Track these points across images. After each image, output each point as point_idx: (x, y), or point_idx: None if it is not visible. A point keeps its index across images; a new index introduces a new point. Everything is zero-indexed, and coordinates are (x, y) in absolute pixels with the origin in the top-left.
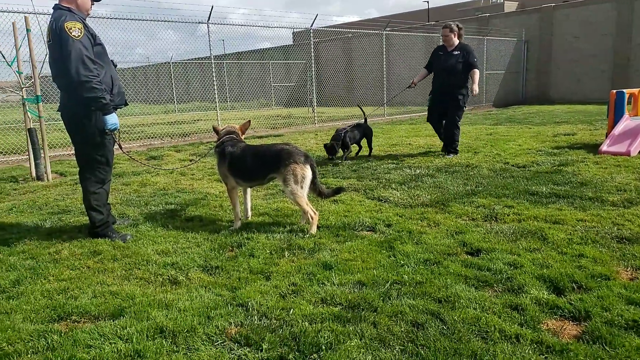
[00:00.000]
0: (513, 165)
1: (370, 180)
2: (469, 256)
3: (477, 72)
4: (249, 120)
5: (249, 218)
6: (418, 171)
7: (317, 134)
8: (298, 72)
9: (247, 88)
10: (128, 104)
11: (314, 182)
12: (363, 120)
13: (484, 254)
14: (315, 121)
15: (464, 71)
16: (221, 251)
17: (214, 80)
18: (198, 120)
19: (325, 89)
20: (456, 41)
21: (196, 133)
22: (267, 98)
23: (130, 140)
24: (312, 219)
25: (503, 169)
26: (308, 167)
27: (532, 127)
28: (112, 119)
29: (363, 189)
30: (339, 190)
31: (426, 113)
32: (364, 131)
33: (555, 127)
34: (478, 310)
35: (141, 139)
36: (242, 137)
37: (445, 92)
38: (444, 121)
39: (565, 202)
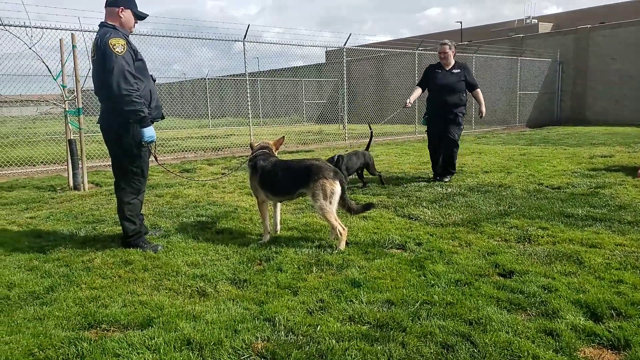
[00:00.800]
0: (547, 187)
1: (400, 198)
2: (501, 278)
3: (480, 91)
4: (283, 137)
5: (278, 232)
6: (449, 190)
7: (347, 150)
8: (330, 89)
9: (280, 104)
10: (165, 118)
11: (343, 197)
12: (366, 145)
13: (517, 276)
14: (346, 137)
15: (464, 90)
16: (249, 264)
17: (247, 97)
18: (231, 135)
19: (356, 107)
20: (452, 60)
21: (229, 147)
22: (299, 114)
23: (165, 153)
24: (340, 234)
25: (537, 190)
26: (337, 182)
27: (567, 148)
28: (149, 132)
29: (393, 206)
30: (368, 206)
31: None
32: (365, 160)
33: (592, 149)
34: (510, 334)
35: (175, 152)
36: (276, 153)
37: (445, 111)
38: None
39: (602, 225)
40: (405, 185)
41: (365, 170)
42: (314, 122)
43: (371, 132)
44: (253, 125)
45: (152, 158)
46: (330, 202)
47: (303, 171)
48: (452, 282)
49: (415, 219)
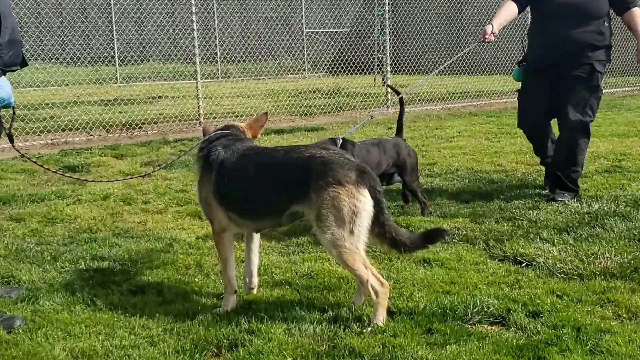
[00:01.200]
0: None
1: (497, 222)
2: None
3: (638, 13)
4: (265, 114)
5: (254, 289)
6: (596, 206)
7: (390, 128)
8: (356, 9)
9: (257, 38)
10: (27, 64)
11: (379, 220)
12: (397, 126)
13: None
14: (388, 102)
15: (606, 14)
16: (197, 355)
17: (193, 22)
18: (159, 97)
19: (406, 44)
20: None
21: (155, 122)
22: (295, 58)
23: (27, 133)
24: (377, 295)
25: None
26: (365, 192)
27: None
28: (0, 90)
29: (482, 237)
30: (434, 234)
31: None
32: (397, 155)
33: None
34: None
35: (50, 131)
36: (250, 136)
37: (565, 59)
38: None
39: None
40: (505, 198)
41: (397, 175)
42: (325, 72)
43: (401, 99)
44: (204, 78)
45: (1, 141)
46: (353, 232)
47: (298, 169)
48: None
49: (526, 265)
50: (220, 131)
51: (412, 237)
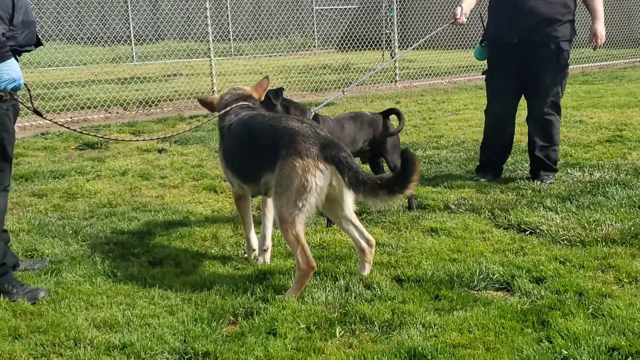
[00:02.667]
0: None
1: (502, 192)
2: None
3: None
4: (266, 77)
5: (267, 251)
6: (598, 174)
7: (399, 102)
8: None
9: (268, 16)
10: (43, 44)
11: (353, 184)
12: (383, 112)
13: None
14: (397, 77)
15: None
16: (214, 323)
17: (205, 1)
18: (174, 74)
19: (414, 20)
20: None
21: (171, 99)
22: (305, 35)
23: (47, 111)
24: (298, 271)
25: None
26: (324, 166)
27: None
28: (10, 71)
29: (488, 207)
30: (408, 161)
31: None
32: (374, 131)
33: None
34: None
35: (68, 109)
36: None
37: (529, 35)
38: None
39: None
40: (510, 168)
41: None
42: (335, 48)
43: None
44: (217, 56)
45: (22, 117)
46: (296, 204)
47: (272, 137)
48: (604, 353)
49: (531, 233)
50: (236, 100)
51: (396, 175)
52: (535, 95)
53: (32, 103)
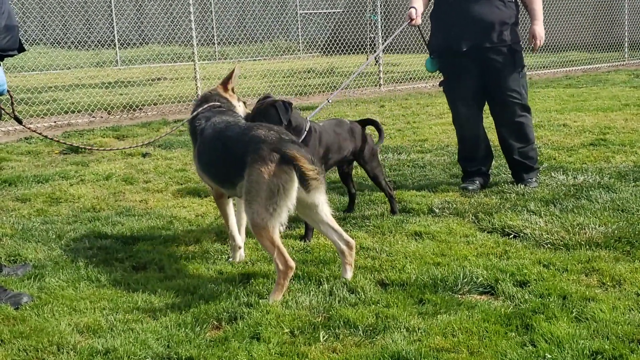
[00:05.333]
0: None
1: (486, 195)
2: None
3: None
4: (233, 70)
5: (240, 248)
6: (581, 178)
7: (383, 106)
8: None
9: (253, 20)
10: (26, 49)
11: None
12: (360, 121)
13: None
14: (381, 81)
15: None
16: (198, 328)
17: (190, 5)
18: (158, 79)
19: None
20: None
21: (155, 103)
22: (290, 38)
23: (31, 116)
24: (278, 273)
25: None
26: (290, 170)
27: None
28: None
29: (472, 211)
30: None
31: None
32: (355, 142)
33: None
34: None
35: (52, 113)
36: (235, 101)
37: (480, 41)
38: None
39: None
40: (494, 172)
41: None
42: (319, 52)
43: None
44: (202, 59)
45: (6, 122)
46: (267, 209)
47: (242, 145)
48: (587, 357)
49: (514, 236)
50: (204, 101)
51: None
52: (501, 103)
53: (13, 109)
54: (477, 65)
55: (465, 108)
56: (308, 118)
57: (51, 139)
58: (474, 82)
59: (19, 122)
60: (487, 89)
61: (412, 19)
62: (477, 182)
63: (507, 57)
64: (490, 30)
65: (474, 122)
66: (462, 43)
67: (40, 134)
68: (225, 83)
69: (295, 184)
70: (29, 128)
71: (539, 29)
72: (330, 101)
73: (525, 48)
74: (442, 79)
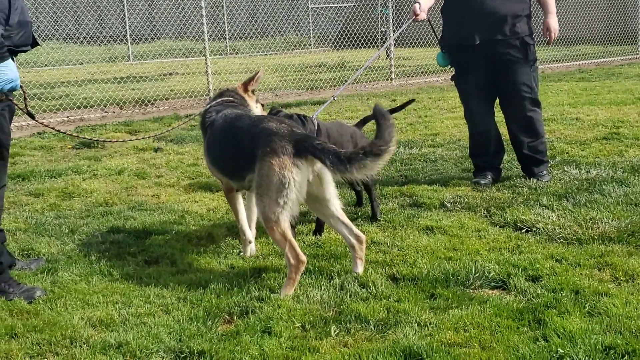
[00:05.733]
0: None
1: (498, 190)
2: None
3: None
4: (257, 72)
5: (251, 242)
6: (594, 172)
7: (395, 100)
8: None
9: (264, 15)
10: (39, 44)
11: (335, 169)
12: (357, 123)
13: None
14: (393, 75)
15: None
16: (210, 322)
17: (200, 0)
18: (170, 74)
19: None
20: None
21: (167, 98)
22: (301, 33)
23: (44, 111)
24: (289, 267)
25: None
26: (300, 163)
27: None
28: (8, 71)
29: (484, 205)
30: (381, 115)
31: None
32: (353, 139)
33: None
34: None
35: (65, 108)
36: (252, 102)
37: (493, 34)
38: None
39: None
40: (506, 166)
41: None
42: (331, 46)
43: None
44: (213, 54)
45: (19, 117)
46: (278, 202)
47: (251, 138)
48: (600, 352)
49: (527, 231)
50: (217, 98)
51: (375, 139)
52: (512, 97)
53: (25, 105)
54: (489, 59)
55: (476, 102)
56: (315, 115)
57: (64, 132)
58: (486, 76)
59: (32, 117)
60: (498, 82)
61: (416, 15)
62: (489, 176)
63: (519, 50)
64: (503, 23)
65: (485, 116)
66: (474, 36)
67: (53, 128)
68: (246, 84)
69: (306, 177)
70: (41, 123)
71: (553, 22)
72: (335, 98)
73: (539, 41)
74: (453, 73)
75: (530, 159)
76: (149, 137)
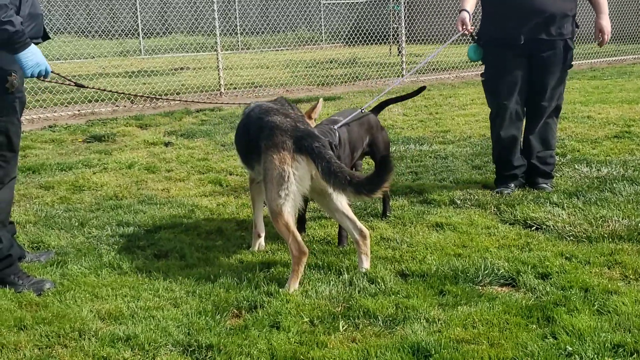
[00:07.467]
0: None
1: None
2: None
3: None
4: (318, 101)
5: (261, 237)
6: (605, 170)
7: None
8: None
9: (275, 11)
10: (51, 38)
11: (327, 174)
12: (374, 108)
13: None
14: (404, 71)
15: None
16: (218, 316)
17: None
18: (181, 68)
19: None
20: None
21: (178, 93)
22: (313, 29)
23: (55, 104)
24: (293, 260)
25: None
26: (301, 158)
27: None
28: (33, 56)
29: (494, 202)
30: (385, 165)
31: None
32: (370, 133)
33: None
34: None
35: (76, 102)
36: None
37: (538, 32)
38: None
39: None
40: None
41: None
42: (342, 42)
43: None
44: (225, 49)
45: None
46: (280, 195)
47: (259, 131)
48: (609, 350)
49: (536, 228)
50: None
51: (368, 177)
52: (540, 99)
53: (68, 79)
54: (526, 59)
55: (507, 104)
56: (336, 127)
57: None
58: (521, 77)
59: (82, 86)
60: (531, 83)
61: (465, 28)
62: (512, 185)
63: (560, 53)
64: (550, 23)
65: (515, 120)
66: (520, 35)
67: (99, 89)
68: (309, 112)
69: (308, 171)
70: (93, 88)
71: (606, 23)
72: (363, 110)
73: (589, 40)
74: (484, 70)
75: (536, 169)
76: (162, 98)
